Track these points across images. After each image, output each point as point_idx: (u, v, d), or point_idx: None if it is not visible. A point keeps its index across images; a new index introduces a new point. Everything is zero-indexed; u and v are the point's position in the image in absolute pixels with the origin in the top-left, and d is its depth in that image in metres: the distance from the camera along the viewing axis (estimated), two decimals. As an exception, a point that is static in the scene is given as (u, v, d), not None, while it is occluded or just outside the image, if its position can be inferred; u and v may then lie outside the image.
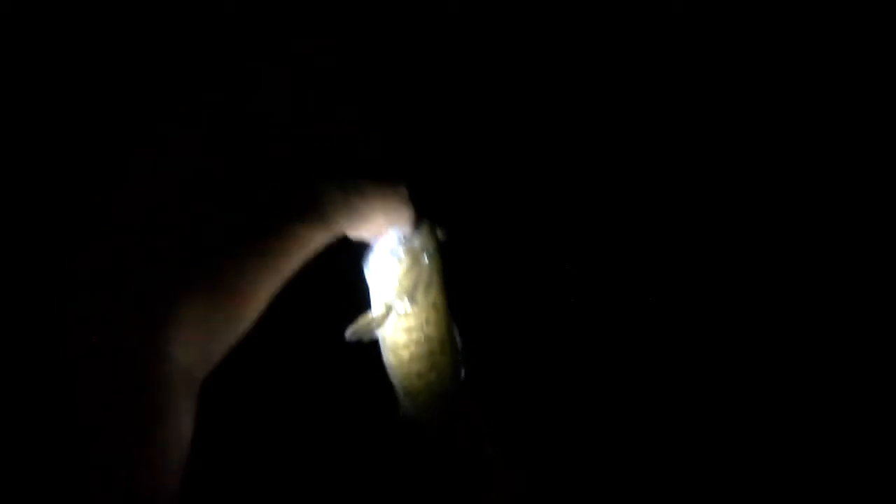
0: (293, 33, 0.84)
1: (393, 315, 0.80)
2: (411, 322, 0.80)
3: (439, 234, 0.80)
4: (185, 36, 0.96)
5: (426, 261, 0.79)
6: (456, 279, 0.88)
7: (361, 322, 0.79)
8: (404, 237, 0.77)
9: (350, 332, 0.79)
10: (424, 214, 0.78)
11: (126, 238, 0.54)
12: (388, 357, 0.82)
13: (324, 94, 0.68)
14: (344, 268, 0.79)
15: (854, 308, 1.19)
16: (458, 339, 0.84)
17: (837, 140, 1.21)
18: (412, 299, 0.79)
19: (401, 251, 0.77)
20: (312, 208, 0.63)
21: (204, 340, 0.56)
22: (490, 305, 1.14)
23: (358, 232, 0.71)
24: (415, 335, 0.80)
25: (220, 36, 0.93)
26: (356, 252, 0.78)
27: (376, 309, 0.80)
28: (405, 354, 0.81)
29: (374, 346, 0.82)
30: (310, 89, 0.67)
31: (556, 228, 1.21)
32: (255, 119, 0.62)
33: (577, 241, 1.21)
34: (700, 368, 1.19)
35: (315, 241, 0.64)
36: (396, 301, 0.79)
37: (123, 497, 0.49)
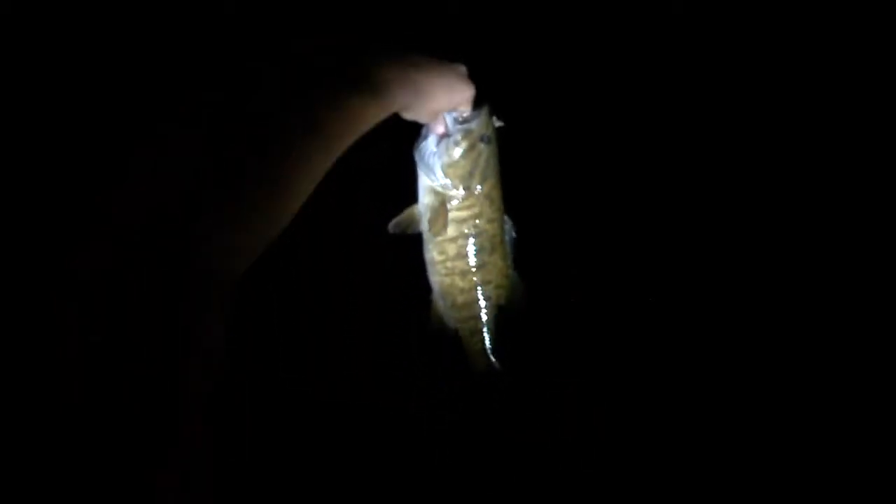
0: (293, 33, 0.84)
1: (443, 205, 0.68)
2: (463, 213, 0.68)
3: (497, 120, 0.70)
4: (186, 36, 0.96)
5: (484, 147, 0.67)
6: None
7: (407, 212, 0.69)
8: (462, 119, 0.66)
9: (394, 224, 0.69)
10: (483, 100, 0.67)
11: (126, 238, 0.54)
12: (432, 252, 0.70)
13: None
14: (390, 157, 0.70)
15: (852, 308, 1.19)
16: (510, 239, 0.73)
17: (836, 140, 1.21)
18: (467, 188, 0.68)
19: (458, 134, 0.66)
20: (367, 79, 0.56)
21: (246, 237, 0.54)
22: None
23: (413, 111, 0.62)
24: (465, 228, 0.69)
25: (220, 36, 0.93)
26: (406, 137, 0.69)
27: (425, 198, 0.69)
28: (452, 249, 0.69)
29: (416, 239, 0.71)
30: (310, 89, 0.67)
31: (558, 229, 1.21)
32: (255, 119, 0.62)
33: (578, 242, 1.22)
34: (699, 367, 1.19)
35: (368, 117, 0.56)
36: (449, 189, 0.68)
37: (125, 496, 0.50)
